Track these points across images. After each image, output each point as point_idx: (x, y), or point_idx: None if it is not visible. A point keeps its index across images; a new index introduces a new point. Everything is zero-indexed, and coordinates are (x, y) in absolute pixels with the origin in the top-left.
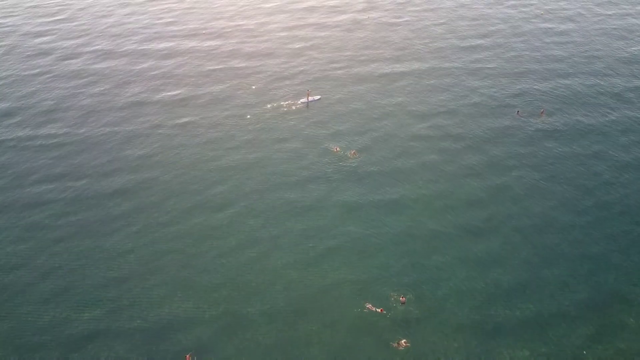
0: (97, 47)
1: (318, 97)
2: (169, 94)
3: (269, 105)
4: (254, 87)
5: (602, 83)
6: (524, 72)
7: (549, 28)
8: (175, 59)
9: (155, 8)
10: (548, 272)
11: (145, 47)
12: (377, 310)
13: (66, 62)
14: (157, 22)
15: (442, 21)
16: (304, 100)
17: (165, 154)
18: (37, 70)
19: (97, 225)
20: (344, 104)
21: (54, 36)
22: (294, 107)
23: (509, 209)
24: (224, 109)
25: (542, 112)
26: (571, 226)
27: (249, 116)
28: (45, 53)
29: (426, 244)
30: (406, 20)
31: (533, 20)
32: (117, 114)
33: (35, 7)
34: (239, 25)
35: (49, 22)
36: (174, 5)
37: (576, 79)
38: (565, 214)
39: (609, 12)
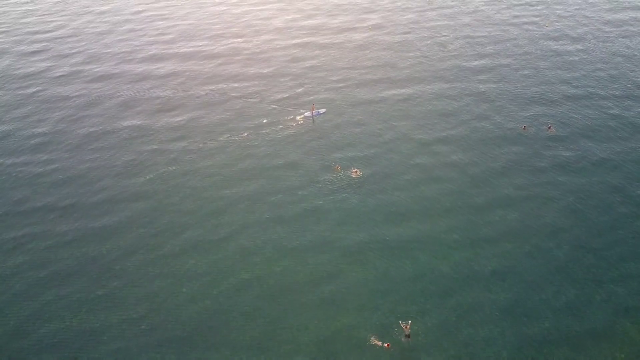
0: (92, 67)
1: (323, 110)
2: (166, 118)
3: (266, 120)
4: (265, 120)
5: (613, 105)
6: (531, 93)
7: (558, 47)
8: (173, 80)
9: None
10: (572, 321)
11: (143, 67)
12: (384, 345)
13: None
14: (156, 40)
15: (447, 40)
16: (308, 114)
17: (161, 183)
18: (31, 91)
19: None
20: (347, 124)
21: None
22: (296, 122)
23: (523, 247)
24: (225, 130)
25: (549, 128)
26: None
27: (245, 134)
28: (38, 73)
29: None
30: (411, 39)
31: (540, 39)
32: (109, 141)
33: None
34: (239, 44)
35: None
36: (172, 23)
37: (587, 100)
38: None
39: (619, 30)
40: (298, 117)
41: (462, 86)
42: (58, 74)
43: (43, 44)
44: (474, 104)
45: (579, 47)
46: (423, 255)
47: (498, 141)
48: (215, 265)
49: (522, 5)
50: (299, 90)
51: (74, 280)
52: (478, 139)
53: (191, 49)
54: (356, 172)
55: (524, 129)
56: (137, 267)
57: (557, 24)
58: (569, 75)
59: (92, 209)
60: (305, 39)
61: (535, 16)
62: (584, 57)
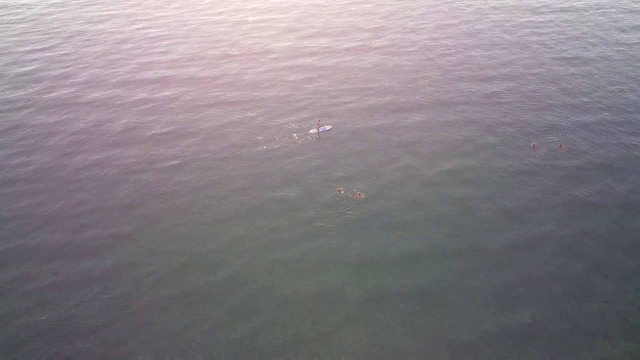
0: (83, 77)
1: (329, 126)
2: (159, 130)
3: (261, 138)
4: (259, 136)
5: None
6: (543, 107)
7: (570, 58)
8: (168, 91)
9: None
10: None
11: (135, 77)
12: None
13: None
14: (150, 50)
15: (453, 51)
16: (314, 130)
17: (151, 203)
18: (20, 104)
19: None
20: (353, 139)
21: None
22: (295, 140)
23: (538, 271)
24: (223, 146)
25: (560, 146)
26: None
27: (240, 153)
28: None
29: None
30: (416, 50)
31: (551, 49)
32: (99, 155)
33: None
34: (237, 53)
35: (35, 50)
36: (167, 32)
37: (600, 114)
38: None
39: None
40: (295, 135)
41: (470, 106)
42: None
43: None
44: (482, 124)
45: (588, 65)
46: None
47: (507, 160)
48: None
49: (530, 26)
50: (301, 108)
51: None
52: (487, 158)
53: (189, 70)
54: (359, 194)
55: (533, 147)
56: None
57: (565, 43)
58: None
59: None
60: (308, 59)
61: (544, 33)
62: (594, 74)
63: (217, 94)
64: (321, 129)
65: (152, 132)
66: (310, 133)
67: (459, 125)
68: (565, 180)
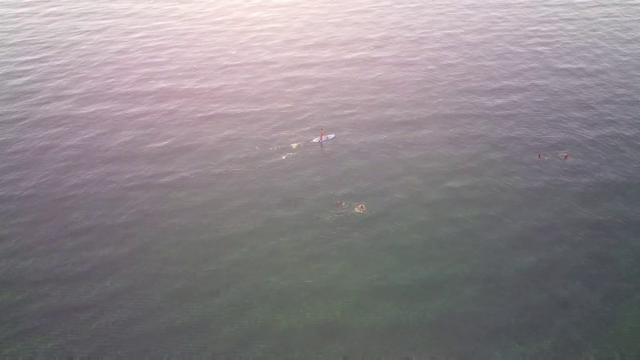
0: (80, 90)
1: (332, 135)
2: (156, 145)
3: (258, 148)
4: (257, 147)
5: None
6: (551, 119)
7: (578, 69)
8: (166, 103)
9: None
10: None
11: (133, 89)
12: None
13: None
14: (150, 60)
15: (459, 62)
16: (317, 139)
17: (148, 222)
18: (14, 117)
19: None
20: (355, 153)
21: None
22: (295, 147)
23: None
24: (222, 161)
25: (565, 157)
26: None
27: (240, 168)
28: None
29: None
30: (421, 60)
31: (559, 59)
32: (94, 171)
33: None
34: (237, 64)
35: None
36: (166, 42)
37: (609, 128)
38: None
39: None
40: (294, 145)
41: (476, 119)
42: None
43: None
44: (488, 138)
45: (595, 74)
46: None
47: (515, 177)
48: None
49: (537, 35)
50: (300, 118)
51: None
52: (493, 174)
53: (188, 82)
54: (361, 207)
55: (539, 157)
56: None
57: (573, 53)
58: (585, 103)
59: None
60: (310, 70)
61: (551, 43)
62: (599, 83)
63: (216, 106)
64: (324, 137)
65: (149, 147)
66: (314, 142)
67: (464, 140)
68: (574, 198)
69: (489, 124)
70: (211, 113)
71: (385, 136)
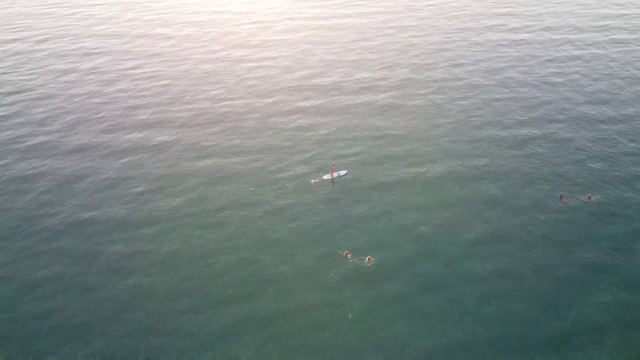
0: (68, 121)
1: (344, 172)
2: (147, 188)
3: (253, 189)
4: (252, 188)
5: None
6: (572, 158)
7: (599, 101)
8: (160, 137)
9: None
10: None
11: (124, 121)
12: None
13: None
14: (143, 90)
15: (472, 94)
16: (328, 176)
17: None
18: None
19: None
20: (362, 199)
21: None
22: (311, 184)
23: None
24: (221, 204)
25: (589, 197)
26: None
27: (239, 213)
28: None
29: None
30: (431, 91)
31: (578, 90)
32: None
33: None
34: (236, 95)
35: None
36: (162, 71)
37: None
38: None
39: None
40: (312, 181)
41: (493, 159)
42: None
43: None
44: (508, 181)
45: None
46: None
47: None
48: None
49: (553, 65)
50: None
51: None
52: (516, 226)
53: (184, 115)
54: (369, 260)
55: (561, 199)
56: None
57: (593, 83)
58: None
59: None
60: (315, 101)
61: (568, 73)
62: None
63: (214, 141)
64: (335, 174)
65: (140, 188)
66: (324, 179)
67: (482, 183)
68: (604, 244)
69: (505, 163)
70: (209, 149)
71: (394, 177)
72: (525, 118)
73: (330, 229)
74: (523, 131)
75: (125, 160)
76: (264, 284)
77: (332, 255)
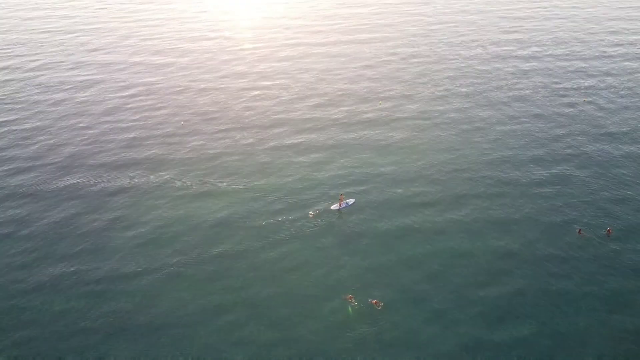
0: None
1: (352, 200)
2: (142, 231)
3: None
4: (264, 223)
5: None
6: (590, 189)
7: (624, 132)
8: (158, 174)
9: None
10: None
11: (120, 157)
12: None
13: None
14: (140, 122)
15: (491, 123)
16: (335, 206)
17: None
18: None
19: None
20: (372, 239)
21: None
22: (311, 215)
23: None
24: (212, 254)
25: (608, 231)
26: None
27: (239, 263)
28: None
29: None
30: (448, 123)
31: (605, 119)
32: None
33: None
34: (239, 126)
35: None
36: (160, 101)
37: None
38: None
39: None
40: (311, 213)
41: (513, 200)
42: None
43: None
44: (531, 229)
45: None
46: None
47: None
48: None
49: (577, 91)
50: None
51: None
52: (534, 276)
53: (183, 149)
54: (376, 303)
55: (579, 232)
56: None
57: (618, 112)
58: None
59: None
60: (321, 134)
61: (581, 106)
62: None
63: (216, 179)
64: (343, 203)
65: (138, 231)
66: (332, 209)
67: (500, 227)
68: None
69: (529, 205)
70: (209, 188)
71: (406, 220)
72: (539, 150)
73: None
74: (537, 164)
75: (120, 201)
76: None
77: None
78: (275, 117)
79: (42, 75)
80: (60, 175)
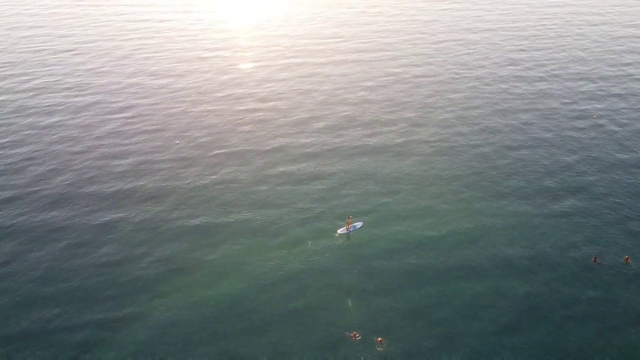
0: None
1: (360, 224)
2: (111, 292)
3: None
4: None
5: None
6: (606, 219)
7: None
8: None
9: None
10: None
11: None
12: None
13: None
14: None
15: (501, 151)
16: (342, 230)
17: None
18: None
19: None
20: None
21: None
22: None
23: None
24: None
25: (627, 259)
26: None
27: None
28: None
29: None
30: (459, 150)
31: (617, 147)
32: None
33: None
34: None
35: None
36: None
37: None
38: None
39: None
40: (310, 242)
41: (526, 230)
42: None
43: None
44: (547, 263)
45: None
46: None
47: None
48: None
49: (586, 115)
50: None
51: None
52: (543, 280)
53: (176, 183)
54: (380, 342)
55: (595, 261)
56: None
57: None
58: None
59: None
60: (327, 162)
61: (603, 125)
62: None
63: (214, 208)
64: (351, 227)
65: (131, 268)
66: (339, 234)
67: (514, 271)
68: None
69: (548, 237)
70: (202, 221)
71: (415, 261)
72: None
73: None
74: (552, 187)
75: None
76: None
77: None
78: (276, 142)
79: (34, 96)
80: (47, 208)
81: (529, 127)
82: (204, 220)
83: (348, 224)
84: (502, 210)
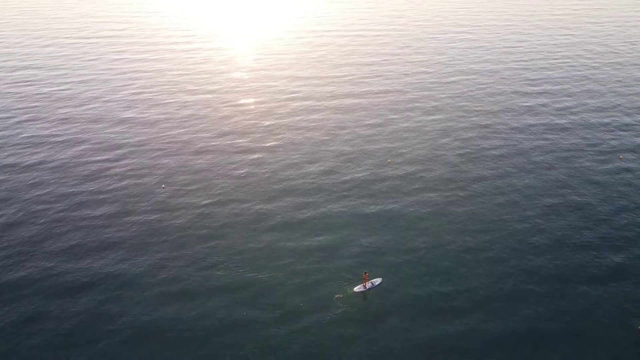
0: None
1: (379, 280)
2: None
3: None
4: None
5: None
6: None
7: None
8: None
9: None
10: None
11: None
12: None
13: None
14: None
15: (510, 196)
16: (359, 288)
17: None
18: None
19: None
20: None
21: None
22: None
23: None
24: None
25: None
26: None
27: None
28: None
29: None
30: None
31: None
32: None
33: None
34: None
35: None
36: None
37: None
38: None
39: None
40: (336, 296)
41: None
42: None
43: None
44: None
45: None
46: None
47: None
48: None
49: (600, 151)
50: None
51: None
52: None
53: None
54: None
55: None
56: None
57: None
58: None
59: None
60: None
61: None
62: None
63: (209, 267)
64: (369, 284)
65: (115, 334)
66: (355, 292)
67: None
68: None
69: (568, 289)
70: (194, 285)
71: (431, 332)
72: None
73: None
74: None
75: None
76: None
77: None
78: (280, 185)
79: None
80: (20, 261)
81: (559, 168)
82: (197, 282)
83: (365, 280)
84: (538, 272)
